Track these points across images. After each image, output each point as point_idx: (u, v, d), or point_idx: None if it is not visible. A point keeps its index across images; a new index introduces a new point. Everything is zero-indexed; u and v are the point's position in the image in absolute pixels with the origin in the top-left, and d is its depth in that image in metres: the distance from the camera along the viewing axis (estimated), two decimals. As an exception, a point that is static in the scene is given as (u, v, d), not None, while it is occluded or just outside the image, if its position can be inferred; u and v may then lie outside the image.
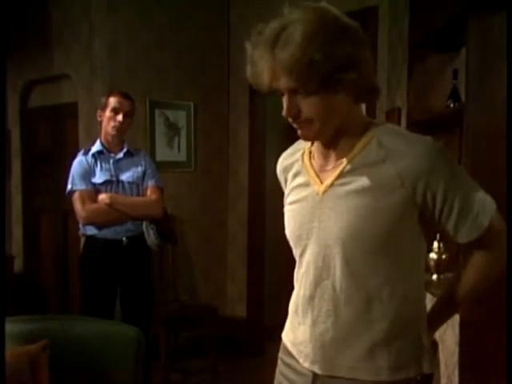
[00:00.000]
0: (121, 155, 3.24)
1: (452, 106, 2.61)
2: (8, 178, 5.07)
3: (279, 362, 1.51)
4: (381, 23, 3.47)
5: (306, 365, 1.38)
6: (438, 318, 1.45)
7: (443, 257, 2.59)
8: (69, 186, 3.15)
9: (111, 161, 3.21)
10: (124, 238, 3.16)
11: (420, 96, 2.84)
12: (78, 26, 4.29)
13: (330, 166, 1.34)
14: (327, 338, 1.33)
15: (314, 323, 1.35)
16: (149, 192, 3.25)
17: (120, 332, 2.31)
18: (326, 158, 1.36)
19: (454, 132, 2.64)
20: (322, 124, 1.26)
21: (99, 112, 3.24)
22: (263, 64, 1.23)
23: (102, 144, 3.22)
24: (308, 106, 1.24)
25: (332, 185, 1.32)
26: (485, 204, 1.28)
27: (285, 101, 1.26)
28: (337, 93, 1.23)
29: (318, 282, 1.34)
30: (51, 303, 4.93)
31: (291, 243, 1.43)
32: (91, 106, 4.04)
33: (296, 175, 1.43)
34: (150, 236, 3.23)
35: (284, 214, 1.46)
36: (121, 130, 3.20)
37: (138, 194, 3.24)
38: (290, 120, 1.28)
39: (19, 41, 4.60)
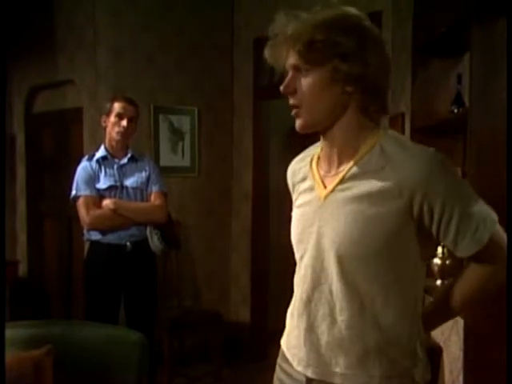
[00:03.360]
0: (125, 160, 3.24)
1: (456, 111, 2.61)
2: (12, 183, 5.09)
3: (277, 367, 1.52)
4: (384, 28, 3.47)
5: (300, 369, 1.38)
6: (432, 320, 1.43)
7: (447, 262, 2.58)
8: (73, 192, 3.16)
9: (115, 166, 3.22)
10: (128, 243, 3.16)
11: (424, 101, 2.84)
12: (82, 32, 4.30)
13: (332, 171, 1.35)
14: (322, 342, 1.33)
15: (309, 327, 1.35)
16: (153, 197, 3.25)
17: (124, 337, 2.31)
18: (330, 163, 1.36)
19: (458, 137, 2.64)
20: (307, 109, 1.29)
21: (103, 117, 3.24)
22: (280, 41, 1.29)
23: (106, 149, 3.23)
24: (303, 85, 1.28)
25: (333, 190, 1.32)
26: (486, 218, 1.24)
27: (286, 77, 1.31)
28: (333, 83, 1.26)
29: (315, 285, 1.34)
30: (55, 308, 4.93)
31: (294, 247, 1.44)
32: (96, 112, 4.05)
33: (303, 180, 1.44)
34: (154, 241, 3.23)
35: (291, 218, 1.48)
36: (125, 135, 3.21)
37: (142, 200, 3.25)
38: (291, 102, 1.31)
39: (24, 46, 4.61)
